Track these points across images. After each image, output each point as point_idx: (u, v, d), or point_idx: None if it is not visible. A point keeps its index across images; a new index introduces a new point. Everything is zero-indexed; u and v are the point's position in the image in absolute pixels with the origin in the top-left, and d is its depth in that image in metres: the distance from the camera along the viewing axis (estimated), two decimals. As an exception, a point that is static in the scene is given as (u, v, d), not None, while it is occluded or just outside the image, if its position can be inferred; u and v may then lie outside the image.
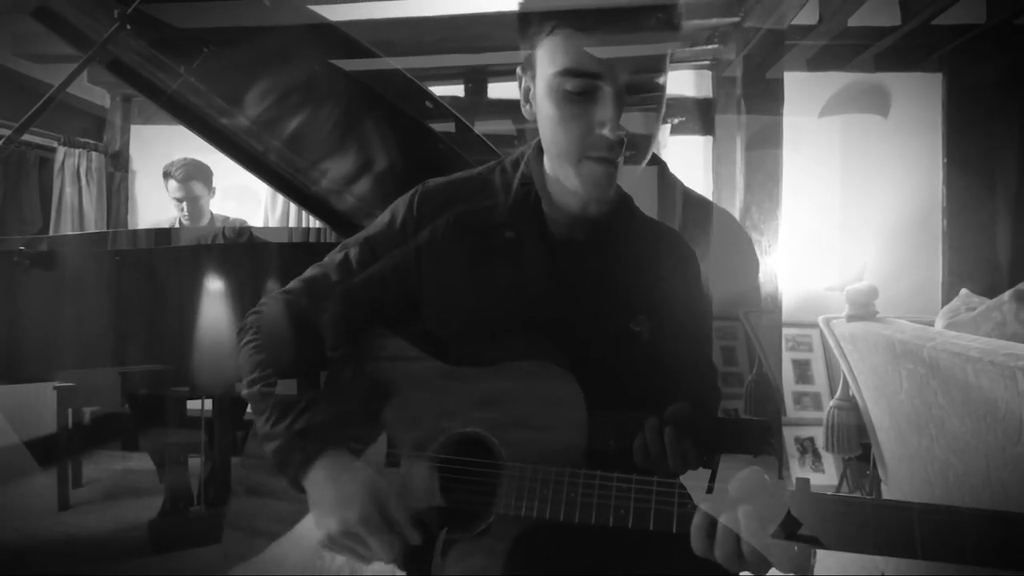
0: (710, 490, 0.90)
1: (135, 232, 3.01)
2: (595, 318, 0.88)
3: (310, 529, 0.86)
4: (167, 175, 2.82)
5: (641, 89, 0.79)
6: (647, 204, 0.94)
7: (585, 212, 0.89)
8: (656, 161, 0.97)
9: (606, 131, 0.77)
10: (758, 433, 0.84)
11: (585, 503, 0.71)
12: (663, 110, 0.84)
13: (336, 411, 0.87)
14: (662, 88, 0.82)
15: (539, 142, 0.93)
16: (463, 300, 0.92)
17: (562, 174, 0.85)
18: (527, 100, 0.87)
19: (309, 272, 0.99)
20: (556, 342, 0.85)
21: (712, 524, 0.65)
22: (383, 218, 0.98)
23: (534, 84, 0.84)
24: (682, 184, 1.01)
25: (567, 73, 0.78)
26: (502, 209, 0.91)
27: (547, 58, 0.80)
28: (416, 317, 0.96)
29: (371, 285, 0.95)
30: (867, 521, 0.57)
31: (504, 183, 0.93)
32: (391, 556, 0.79)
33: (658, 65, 0.81)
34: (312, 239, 2.98)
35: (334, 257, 0.98)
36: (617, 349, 0.87)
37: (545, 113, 0.82)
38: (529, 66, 0.84)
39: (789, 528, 0.61)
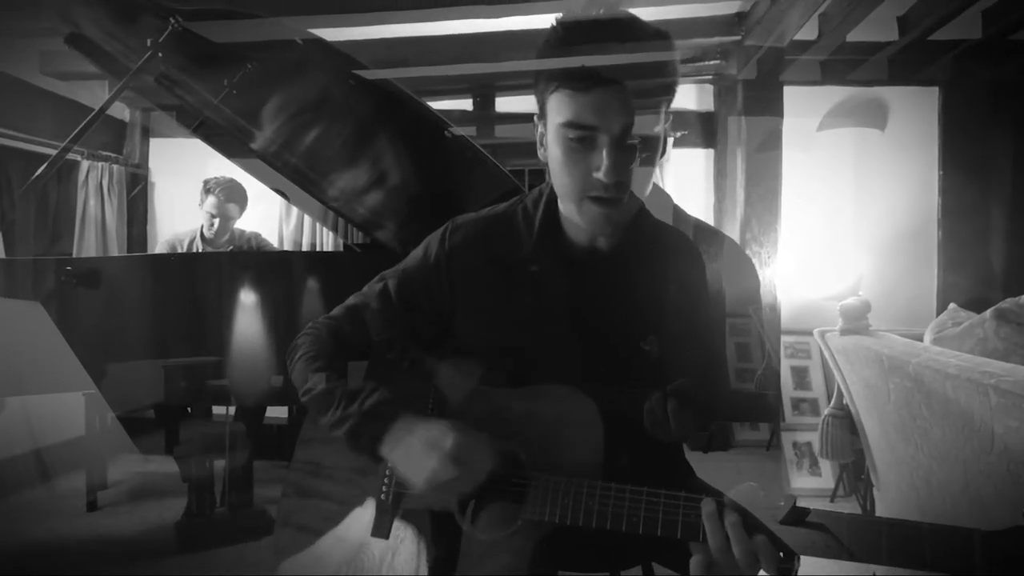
0: (706, 449, 1.02)
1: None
2: (609, 341, 1.00)
3: (351, 528, 0.97)
4: (208, 191, 2.88)
5: (635, 138, 0.91)
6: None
7: (595, 244, 1.02)
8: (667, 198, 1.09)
9: (600, 175, 0.90)
10: (762, 405, 0.96)
11: (602, 511, 0.82)
12: (660, 153, 0.96)
13: (397, 388, 0.97)
14: (656, 137, 0.94)
15: None
16: (493, 328, 1.04)
17: (566, 211, 0.99)
18: (541, 144, 1.00)
19: (351, 300, 1.11)
20: (576, 364, 0.97)
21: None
22: (418, 252, 1.10)
23: (547, 131, 0.97)
24: (691, 216, 1.12)
25: (568, 125, 0.91)
26: (527, 246, 1.03)
27: (554, 110, 0.93)
28: (447, 340, 1.07)
29: (409, 312, 1.07)
30: (842, 531, 0.68)
31: (527, 220, 1.05)
32: (475, 487, 0.89)
33: (652, 117, 0.92)
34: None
35: (374, 287, 1.10)
36: (628, 369, 0.98)
37: (553, 157, 0.96)
38: (543, 115, 0.98)
39: (796, 517, 0.72)
